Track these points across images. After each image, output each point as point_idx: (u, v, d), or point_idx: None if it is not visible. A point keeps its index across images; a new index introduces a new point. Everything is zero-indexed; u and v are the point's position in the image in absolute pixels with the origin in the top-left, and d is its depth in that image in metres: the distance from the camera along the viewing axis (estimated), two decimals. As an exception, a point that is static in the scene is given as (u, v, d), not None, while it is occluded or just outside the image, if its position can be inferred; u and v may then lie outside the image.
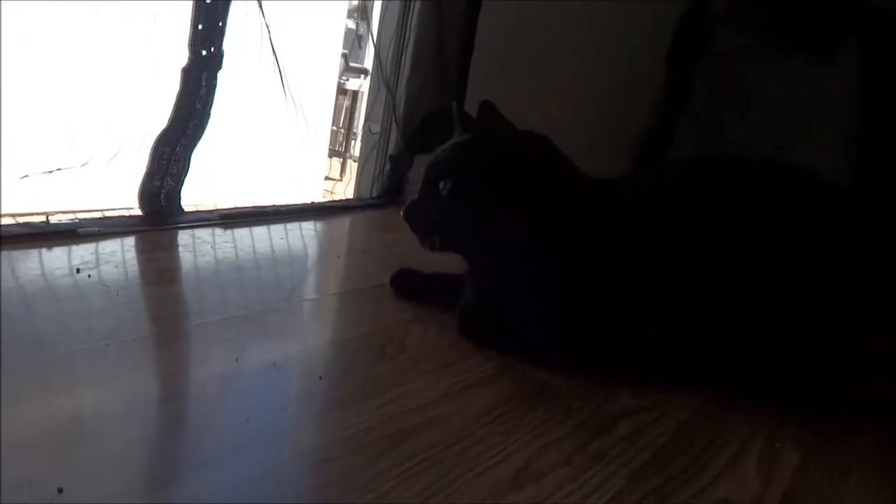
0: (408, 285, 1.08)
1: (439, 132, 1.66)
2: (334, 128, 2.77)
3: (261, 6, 1.21)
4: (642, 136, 2.19)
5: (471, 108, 0.96)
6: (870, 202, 0.94)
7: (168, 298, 0.97)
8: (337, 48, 2.30)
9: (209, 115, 1.18)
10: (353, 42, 2.60)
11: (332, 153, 2.68)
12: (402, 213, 0.92)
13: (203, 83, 1.14)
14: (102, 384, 0.69)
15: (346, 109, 3.13)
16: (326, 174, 2.31)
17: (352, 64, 2.93)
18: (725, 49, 2.05)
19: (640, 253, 0.86)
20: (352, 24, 2.62)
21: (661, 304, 0.86)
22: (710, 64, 2.11)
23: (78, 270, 0.95)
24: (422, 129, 1.74)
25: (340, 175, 2.71)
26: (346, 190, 1.83)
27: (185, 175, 1.22)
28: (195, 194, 1.33)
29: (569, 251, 0.88)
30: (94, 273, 0.96)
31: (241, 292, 1.02)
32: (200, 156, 1.24)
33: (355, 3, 2.83)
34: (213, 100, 1.17)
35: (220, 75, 1.16)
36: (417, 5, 1.67)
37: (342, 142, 3.07)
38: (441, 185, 0.90)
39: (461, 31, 1.72)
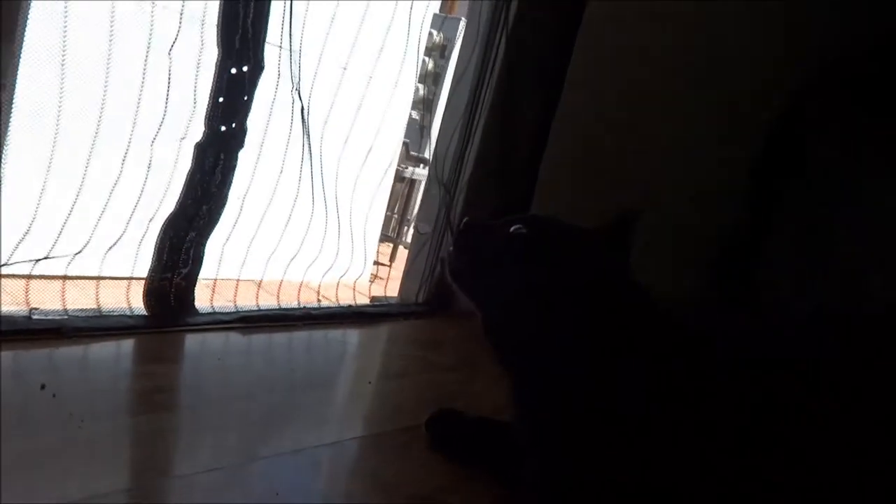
0: (449, 432, 0.86)
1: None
2: (388, 213, 2.74)
3: (293, 82, 1.07)
4: (720, 258, 1.93)
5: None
6: None
7: (148, 437, 0.76)
8: (399, 136, 2.26)
9: (226, 198, 1.02)
10: (416, 131, 2.58)
11: (385, 238, 2.65)
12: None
13: (221, 162, 0.99)
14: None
15: (402, 196, 3.08)
16: (375, 259, 2.23)
17: (412, 153, 2.90)
18: (819, 163, 1.82)
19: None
20: (416, 115, 2.60)
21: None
22: (803, 180, 1.87)
23: (43, 387, 0.76)
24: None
25: (390, 261, 2.61)
26: (389, 287, 1.65)
27: (199, 268, 1.05)
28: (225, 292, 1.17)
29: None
30: (68, 389, 0.77)
31: (240, 430, 0.80)
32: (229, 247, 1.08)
33: (421, 94, 2.83)
34: (230, 181, 1.02)
35: (241, 154, 1.01)
36: (488, 97, 1.53)
37: (395, 228, 3.00)
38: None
39: (533, 131, 1.57)
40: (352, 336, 1.25)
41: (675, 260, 1.60)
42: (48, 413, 0.72)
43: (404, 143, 2.61)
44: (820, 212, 1.86)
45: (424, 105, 2.80)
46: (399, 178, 2.81)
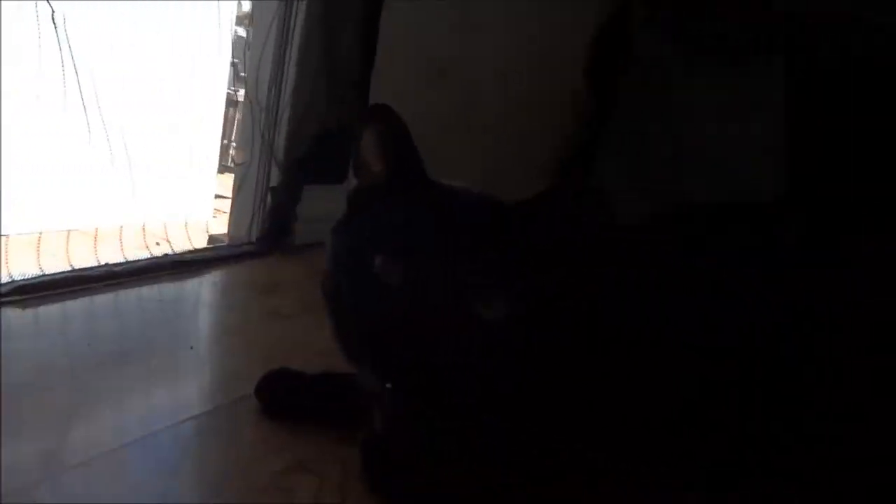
0: (282, 397, 0.75)
1: (333, 157, 1.35)
2: (225, 142, 2.49)
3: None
4: (567, 155, 1.94)
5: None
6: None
7: None
8: (225, 56, 2.03)
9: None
10: (244, 50, 2.32)
11: (224, 169, 2.38)
12: None
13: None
14: None
15: (238, 122, 2.78)
16: (217, 192, 2.10)
17: (242, 74, 2.59)
18: (648, 58, 1.85)
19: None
20: (242, 32, 2.34)
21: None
22: (634, 76, 1.89)
23: None
24: (310, 154, 1.42)
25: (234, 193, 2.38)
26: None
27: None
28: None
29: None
30: None
31: (29, 432, 0.64)
32: None
33: (245, 9, 2.52)
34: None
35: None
36: (302, 6, 1.34)
37: (233, 157, 2.72)
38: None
39: (359, 35, 1.41)
40: (170, 291, 1.08)
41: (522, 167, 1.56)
42: None
43: (233, 64, 2.34)
44: (650, 110, 1.89)
45: (250, 20, 2.52)
46: (231, 102, 2.52)
